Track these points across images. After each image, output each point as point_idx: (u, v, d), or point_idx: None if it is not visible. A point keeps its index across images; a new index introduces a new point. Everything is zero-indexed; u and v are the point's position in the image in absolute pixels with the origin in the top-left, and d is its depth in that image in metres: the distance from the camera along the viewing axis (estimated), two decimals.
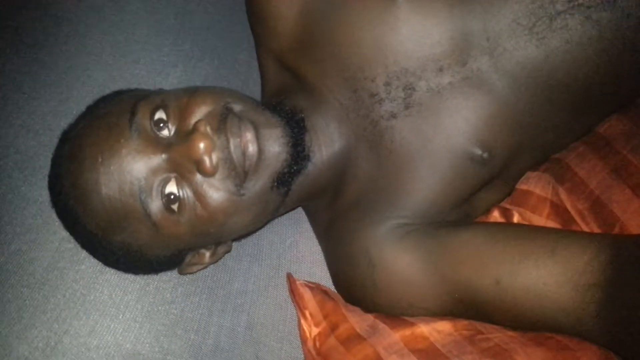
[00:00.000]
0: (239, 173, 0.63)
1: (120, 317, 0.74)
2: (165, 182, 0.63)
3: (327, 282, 0.78)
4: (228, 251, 0.75)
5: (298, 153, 0.68)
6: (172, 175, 0.63)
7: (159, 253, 0.67)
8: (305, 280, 0.77)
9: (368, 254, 0.68)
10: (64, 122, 0.70)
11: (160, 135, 0.64)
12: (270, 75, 0.82)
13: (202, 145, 0.60)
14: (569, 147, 0.75)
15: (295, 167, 0.68)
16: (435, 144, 0.68)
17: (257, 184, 0.65)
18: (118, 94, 0.71)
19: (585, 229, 0.69)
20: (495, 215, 0.73)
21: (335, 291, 0.76)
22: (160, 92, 0.69)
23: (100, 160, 0.61)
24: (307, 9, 0.73)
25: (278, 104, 0.73)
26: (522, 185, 0.74)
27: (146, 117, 0.63)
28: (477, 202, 0.73)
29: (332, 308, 0.72)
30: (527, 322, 0.62)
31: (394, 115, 0.69)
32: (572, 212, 0.70)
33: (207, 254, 0.72)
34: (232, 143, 0.63)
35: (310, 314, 0.73)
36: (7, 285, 0.73)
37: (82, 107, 0.71)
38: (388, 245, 0.68)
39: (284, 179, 0.67)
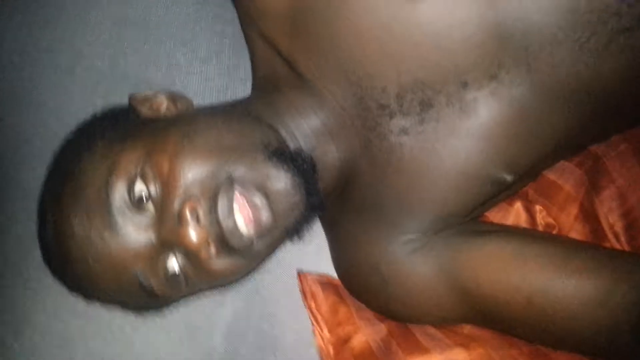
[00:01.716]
0: (241, 249, 0.56)
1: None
2: (164, 259, 0.57)
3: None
4: None
5: (312, 204, 0.59)
6: (169, 252, 0.56)
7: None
8: (316, 274, 0.75)
9: (379, 271, 0.66)
10: None
11: (145, 213, 0.55)
12: (260, 59, 0.69)
13: (194, 238, 0.53)
14: (608, 140, 0.68)
15: (310, 216, 0.61)
16: (450, 165, 0.60)
17: (267, 242, 0.59)
18: (87, 136, 0.61)
19: (617, 247, 0.66)
20: (518, 208, 0.70)
21: None
22: (130, 133, 0.59)
23: (91, 261, 0.56)
24: None
25: (281, 141, 0.61)
26: (550, 175, 0.69)
27: (123, 196, 0.55)
28: (493, 201, 0.68)
29: (345, 315, 0.71)
30: (554, 339, 0.61)
31: (405, 131, 0.60)
32: (605, 226, 0.66)
33: None
34: (226, 227, 0.55)
35: (324, 319, 0.72)
36: None
37: None
38: (400, 261, 0.65)
39: (296, 230, 0.61)
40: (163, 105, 0.64)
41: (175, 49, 0.82)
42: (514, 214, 0.71)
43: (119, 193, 0.55)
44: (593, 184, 0.67)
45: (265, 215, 0.55)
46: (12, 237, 0.76)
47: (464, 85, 0.58)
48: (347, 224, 0.69)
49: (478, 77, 0.57)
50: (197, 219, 0.54)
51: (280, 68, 0.66)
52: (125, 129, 0.61)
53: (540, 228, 0.70)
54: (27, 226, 0.69)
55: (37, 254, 0.65)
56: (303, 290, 0.75)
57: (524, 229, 0.70)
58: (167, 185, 0.55)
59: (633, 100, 0.59)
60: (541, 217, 0.70)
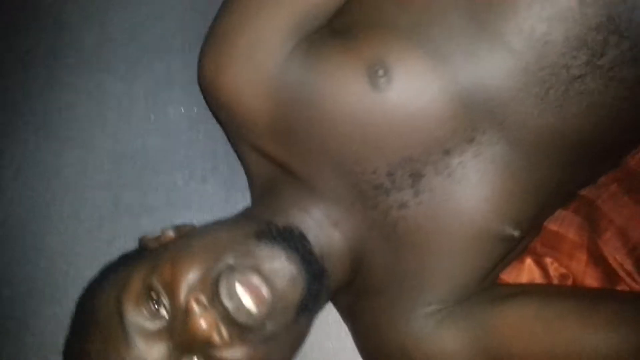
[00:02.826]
0: (253, 326, 0.57)
1: None
2: None
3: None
4: None
5: (312, 271, 0.61)
6: (185, 355, 0.58)
7: None
8: None
9: (406, 352, 0.65)
10: None
11: (160, 320, 0.58)
12: (254, 169, 0.72)
13: (203, 325, 0.55)
14: (597, 182, 0.70)
15: (315, 288, 0.61)
16: (456, 230, 0.62)
17: (280, 322, 0.59)
18: (100, 278, 0.65)
19: (634, 286, 0.66)
20: (529, 264, 0.71)
21: None
22: (134, 263, 0.62)
23: None
24: (277, 100, 0.64)
25: (269, 223, 0.64)
26: (551, 225, 0.71)
27: (135, 311, 0.57)
28: (507, 259, 0.69)
29: None
30: None
31: (404, 205, 0.63)
32: (615, 267, 0.67)
33: None
34: (231, 307, 0.56)
35: None
36: None
37: None
38: (425, 339, 0.65)
39: (307, 304, 0.61)
40: (170, 237, 0.67)
41: (173, 173, 0.87)
42: (527, 271, 0.71)
43: (129, 310, 0.58)
44: (593, 228, 0.68)
45: (264, 291, 0.57)
46: None
47: (447, 152, 0.61)
48: (366, 311, 0.69)
49: (458, 142, 0.61)
50: (204, 308, 0.56)
51: (273, 172, 0.69)
52: (133, 259, 0.65)
53: (555, 280, 0.70)
54: None
55: None
56: None
57: (543, 287, 0.70)
58: (172, 289, 0.57)
59: (607, 139, 0.62)
60: (553, 269, 0.70)
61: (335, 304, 0.76)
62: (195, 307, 0.56)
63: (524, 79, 0.58)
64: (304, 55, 0.63)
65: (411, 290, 0.65)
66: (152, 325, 0.58)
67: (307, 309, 0.62)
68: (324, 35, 0.65)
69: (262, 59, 0.65)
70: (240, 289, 0.57)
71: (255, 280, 0.58)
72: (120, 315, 0.58)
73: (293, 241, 0.62)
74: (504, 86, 0.59)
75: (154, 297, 0.58)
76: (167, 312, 0.58)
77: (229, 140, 0.77)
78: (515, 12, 0.58)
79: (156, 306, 0.58)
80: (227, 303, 0.57)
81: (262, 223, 0.63)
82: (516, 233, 0.63)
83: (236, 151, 0.76)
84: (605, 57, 0.57)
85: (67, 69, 0.90)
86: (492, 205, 0.62)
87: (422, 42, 0.60)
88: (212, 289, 0.57)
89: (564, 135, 0.60)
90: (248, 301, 0.57)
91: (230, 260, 0.59)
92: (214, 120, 0.89)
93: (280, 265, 0.59)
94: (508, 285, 0.71)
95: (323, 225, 0.66)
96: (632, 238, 0.66)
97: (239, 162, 0.78)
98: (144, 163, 0.88)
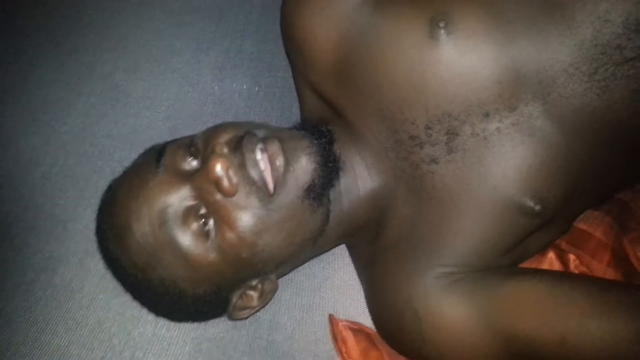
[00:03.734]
0: (261, 188, 0.62)
1: (164, 354, 0.72)
2: (192, 210, 0.62)
3: (366, 317, 0.75)
4: (275, 289, 0.72)
5: (327, 163, 0.66)
6: (198, 202, 0.62)
7: (197, 290, 0.65)
8: (348, 321, 0.74)
9: (413, 306, 0.65)
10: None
11: (189, 167, 0.65)
12: (308, 105, 0.80)
13: (218, 165, 0.60)
14: (634, 187, 0.71)
15: (325, 178, 0.65)
16: (480, 194, 0.64)
17: (287, 198, 0.63)
18: (153, 146, 0.72)
19: None
20: (551, 257, 0.71)
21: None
22: (190, 135, 0.70)
23: (129, 198, 0.63)
24: (345, 42, 0.69)
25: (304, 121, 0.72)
26: (581, 224, 0.71)
27: (173, 155, 0.65)
28: (529, 244, 0.69)
29: None
30: None
31: (435, 160, 0.65)
32: (636, 265, 0.67)
33: (255, 294, 0.70)
34: (248, 160, 0.62)
35: None
36: (57, 321, 0.73)
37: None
38: (434, 297, 0.64)
39: (315, 191, 0.64)
40: None
41: None
42: (548, 263, 0.71)
43: (168, 152, 0.65)
44: (621, 227, 0.69)
45: (279, 160, 0.62)
46: None
47: (486, 115, 0.63)
48: (382, 261, 0.70)
49: (499, 109, 0.63)
50: (224, 155, 0.62)
51: (324, 111, 0.75)
52: None
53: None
54: None
55: None
56: (334, 335, 0.73)
57: (557, 271, 0.70)
58: (207, 142, 0.65)
59: None
60: (574, 266, 0.70)
61: (355, 259, 0.78)
62: (218, 151, 0.62)
63: (577, 55, 0.60)
64: (373, 4, 0.68)
65: (428, 248, 0.66)
66: (183, 165, 0.65)
67: (312, 197, 0.64)
68: None
69: (337, 7, 0.70)
70: (259, 151, 0.63)
71: (275, 147, 0.63)
72: (160, 154, 0.65)
73: (319, 132, 0.68)
74: (556, 59, 0.61)
75: (193, 149, 0.65)
76: (198, 164, 0.65)
77: (294, 78, 0.83)
78: None
79: (192, 157, 0.65)
80: (246, 152, 0.62)
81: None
82: (537, 208, 0.63)
83: (296, 86, 0.82)
84: None
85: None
86: (520, 175, 0.63)
87: (488, 4, 0.63)
88: (236, 143, 0.63)
89: (605, 119, 0.61)
90: (263, 161, 0.63)
91: (261, 133, 0.65)
92: (269, 99, 0.97)
93: (300, 145, 0.65)
94: (524, 267, 0.70)
95: (355, 165, 0.70)
96: None
97: None
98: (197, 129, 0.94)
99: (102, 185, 0.80)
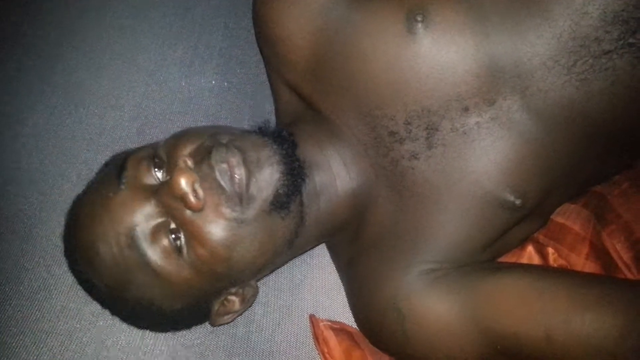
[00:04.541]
0: (231, 197, 0.59)
1: None
2: (161, 227, 0.60)
3: (347, 316, 0.74)
4: (256, 293, 0.70)
5: (292, 171, 0.63)
6: (165, 218, 0.60)
7: (175, 306, 0.63)
8: (329, 321, 0.73)
9: (396, 304, 0.64)
10: None
11: (154, 181, 0.62)
12: (283, 103, 0.77)
13: (182, 180, 0.57)
14: (611, 179, 0.71)
15: (291, 187, 0.62)
16: (461, 188, 0.63)
17: (254, 209, 0.60)
18: (115, 157, 0.69)
19: (630, 277, 0.66)
20: (530, 251, 0.71)
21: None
22: (153, 144, 0.67)
23: (94, 220, 0.60)
24: (320, 37, 0.68)
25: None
26: (559, 218, 0.71)
27: (135, 169, 0.62)
28: (508, 238, 0.69)
29: None
30: None
31: (415, 156, 0.64)
32: (615, 258, 0.67)
33: (236, 300, 0.68)
34: (218, 169, 0.59)
35: None
36: (25, 332, 0.69)
37: None
38: (417, 294, 0.64)
39: (281, 200, 0.62)
40: None
41: None
42: (527, 257, 0.71)
43: (130, 166, 0.62)
44: (599, 219, 0.69)
45: (238, 172, 0.59)
46: None
47: (465, 110, 0.63)
48: (364, 260, 0.69)
49: (478, 103, 0.63)
50: (188, 168, 0.59)
51: (302, 109, 0.73)
52: None
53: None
54: None
55: None
56: (315, 335, 0.72)
57: (539, 265, 0.69)
58: (171, 155, 0.62)
59: (626, 126, 0.63)
60: (553, 259, 0.70)
61: (335, 259, 0.77)
62: (181, 165, 0.59)
63: (555, 48, 0.60)
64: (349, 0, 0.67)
65: (410, 245, 0.65)
66: (147, 179, 0.61)
67: (279, 207, 0.62)
68: None
69: (312, 3, 0.68)
70: (221, 164, 0.60)
71: (234, 160, 0.60)
72: (121, 168, 0.61)
73: (281, 138, 0.65)
74: (534, 52, 0.61)
75: (157, 161, 0.62)
76: (163, 176, 0.61)
77: (267, 75, 0.81)
78: None
79: (156, 168, 0.62)
80: (215, 164, 0.59)
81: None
82: (518, 202, 0.63)
83: (271, 84, 0.80)
84: (638, 35, 0.59)
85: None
86: (500, 170, 0.63)
87: (465, 1, 0.62)
88: (202, 154, 0.61)
89: (585, 112, 0.61)
90: (226, 173, 0.60)
91: (224, 139, 0.62)
92: (240, 96, 0.94)
93: (262, 154, 0.62)
94: (505, 262, 0.70)
95: (334, 164, 0.68)
96: (636, 232, 0.67)
97: None
98: (165, 128, 0.91)
99: (67, 188, 0.78)
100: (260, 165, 0.61)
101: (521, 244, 0.72)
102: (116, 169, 0.62)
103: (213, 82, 0.95)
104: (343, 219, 0.69)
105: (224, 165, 0.59)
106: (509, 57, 0.61)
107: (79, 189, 0.69)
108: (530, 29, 0.61)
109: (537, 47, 0.61)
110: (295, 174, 0.63)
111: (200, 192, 0.59)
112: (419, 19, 0.62)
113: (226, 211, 0.59)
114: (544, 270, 0.66)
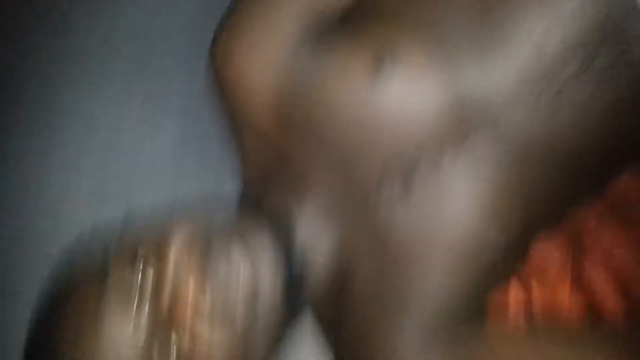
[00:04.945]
0: (232, 316, 0.56)
1: None
2: (164, 341, 0.55)
3: None
4: None
5: (291, 272, 0.61)
6: (169, 332, 0.55)
7: None
8: None
9: None
10: None
11: (145, 282, 0.56)
12: (250, 156, 0.73)
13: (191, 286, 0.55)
14: (586, 206, 0.71)
15: (292, 296, 0.61)
16: (444, 230, 0.62)
17: (258, 311, 0.58)
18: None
19: (613, 304, 0.67)
20: (514, 285, 0.70)
21: None
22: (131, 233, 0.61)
23: (78, 332, 0.54)
24: (285, 85, 0.65)
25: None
26: (538, 251, 0.71)
27: (121, 271, 0.56)
28: (493, 277, 0.66)
29: None
30: None
31: (393, 200, 0.63)
32: (598, 290, 0.67)
33: None
34: (222, 271, 0.56)
35: None
36: None
37: None
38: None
39: (286, 296, 0.60)
40: None
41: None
42: (512, 293, 0.71)
43: (114, 272, 0.56)
44: (578, 249, 0.69)
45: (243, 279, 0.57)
46: None
47: (440, 148, 0.62)
48: (348, 325, 0.66)
49: (452, 139, 0.62)
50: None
51: (267, 161, 0.69)
52: None
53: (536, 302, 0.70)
54: None
55: None
56: None
57: (532, 324, 0.69)
58: (160, 252, 0.57)
59: (599, 149, 0.64)
60: (538, 295, 0.70)
61: (317, 320, 0.73)
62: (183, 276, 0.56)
63: (518, 81, 0.60)
64: (313, 43, 0.65)
65: (400, 301, 0.63)
66: (135, 281, 0.56)
67: (286, 302, 0.60)
68: (333, 23, 0.66)
69: (274, 47, 0.66)
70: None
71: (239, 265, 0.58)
72: (103, 271, 0.56)
73: (280, 226, 0.63)
74: (499, 87, 0.61)
75: (142, 259, 0.56)
76: (153, 274, 0.56)
77: (231, 130, 0.76)
78: (520, 16, 0.60)
79: (142, 266, 0.56)
80: (214, 268, 0.56)
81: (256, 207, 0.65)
82: (502, 239, 0.62)
83: (236, 141, 0.75)
84: (600, 58, 0.59)
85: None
86: (480, 207, 0.62)
87: (431, 38, 0.62)
88: (200, 254, 0.57)
89: (555, 141, 0.61)
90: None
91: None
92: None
93: (260, 249, 0.60)
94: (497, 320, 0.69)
95: (311, 219, 0.66)
96: (615, 258, 0.68)
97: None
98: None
99: None
100: (263, 269, 0.59)
101: (506, 281, 0.71)
102: (98, 272, 0.57)
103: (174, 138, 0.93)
104: (327, 279, 0.66)
105: (227, 274, 0.58)
106: (477, 92, 0.61)
107: None
108: (493, 63, 0.61)
109: (500, 83, 0.61)
110: (295, 277, 0.62)
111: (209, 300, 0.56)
112: (384, 64, 0.61)
113: (233, 327, 0.58)
114: (541, 330, 0.66)
